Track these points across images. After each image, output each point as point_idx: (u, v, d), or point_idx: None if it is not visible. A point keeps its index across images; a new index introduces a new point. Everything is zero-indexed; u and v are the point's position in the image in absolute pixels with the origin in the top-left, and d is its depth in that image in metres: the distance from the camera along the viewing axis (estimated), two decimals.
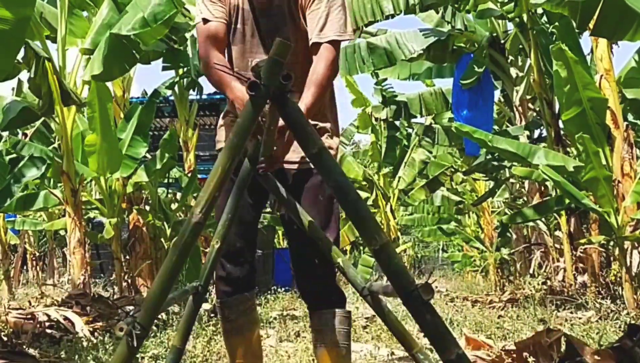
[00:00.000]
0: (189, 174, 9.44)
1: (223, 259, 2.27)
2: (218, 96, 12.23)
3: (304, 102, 2.09)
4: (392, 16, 7.35)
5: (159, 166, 8.11)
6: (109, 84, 8.04)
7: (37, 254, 14.88)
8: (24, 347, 4.07)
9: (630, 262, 5.86)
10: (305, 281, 2.28)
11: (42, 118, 6.54)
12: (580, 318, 4.91)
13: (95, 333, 4.66)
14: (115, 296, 7.25)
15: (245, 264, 2.30)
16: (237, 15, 2.28)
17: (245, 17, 2.27)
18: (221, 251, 1.98)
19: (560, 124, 6.92)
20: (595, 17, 4.94)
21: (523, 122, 8.36)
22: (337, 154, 2.41)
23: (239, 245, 2.29)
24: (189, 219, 1.55)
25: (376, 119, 11.80)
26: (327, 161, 1.61)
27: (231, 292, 2.28)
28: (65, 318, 4.86)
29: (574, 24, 5.41)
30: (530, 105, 8.58)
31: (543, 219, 8.03)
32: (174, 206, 9.94)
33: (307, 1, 2.24)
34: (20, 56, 5.10)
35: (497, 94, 9.36)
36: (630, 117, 8.12)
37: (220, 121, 2.43)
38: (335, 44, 2.20)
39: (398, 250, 12.27)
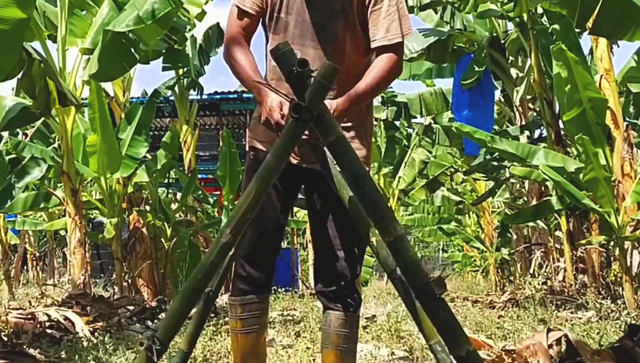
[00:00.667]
0: (189, 174, 9.44)
1: (243, 260, 2.26)
2: (218, 96, 12.27)
3: (342, 98, 2.03)
4: None
5: (159, 167, 8.12)
6: (109, 84, 8.07)
7: (38, 254, 14.88)
8: (24, 347, 4.07)
9: (631, 262, 5.86)
10: (324, 280, 2.26)
11: (42, 118, 6.54)
12: (580, 318, 4.91)
13: (96, 333, 4.65)
14: (115, 297, 7.25)
15: (264, 268, 2.29)
16: (281, 4, 2.20)
17: (290, 7, 2.19)
18: (234, 258, 1.94)
19: (561, 124, 6.93)
20: (594, 16, 4.93)
21: (523, 123, 8.37)
22: (367, 162, 2.29)
23: (258, 248, 2.26)
24: (217, 239, 1.53)
25: (376, 119, 11.80)
26: (345, 149, 1.58)
27: (248, 292, 2.27)
28: (66, 318, 4.86)
29: (574, 23, 5.41)
30: (530, 105, 8.59)
31: (543, 219, 8.03)
32: (174, 206, 9.95)
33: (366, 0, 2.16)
34: None
35: (497, 94, 9.36)
36: (632, 111, 8.16)
37: (255, 114, 2.30)
38: (400, 45, 2.15)
39: None
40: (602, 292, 6.29)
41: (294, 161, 2.19)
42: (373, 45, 2.14)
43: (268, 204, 2.24)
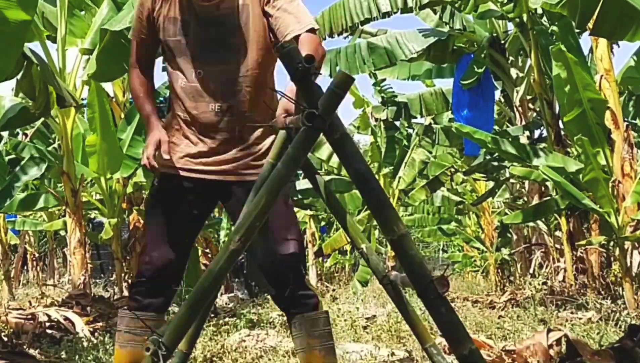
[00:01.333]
0: None
1: (141, 283, 2.23)
2: None
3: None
4: (389, 14, 7.34)
5: None
6: (109, 84, 8.07)
7: (38, 254, 14.86)
8: (25, 347, 4.07)
9: (631, 262, 5.86)
10: (277, 287, 2.21)
11: (42, 119, 6.55)
12: (580, 319, 4.91)
13: (96, 334, 4.65)
14: (115, 297, 7.25)
15: (163, 294, 2.24)
16: (175, 27, 2.22)
17: (185, 28, 2.21)
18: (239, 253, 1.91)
19: (561, 125, 6.93)
20: (595, 16, 4.94)
21: (523, 123, 8.37)
22: None
23: (163, 269, 2.22)
24: (226, 246, 1.53)
25: (376, 119, 11.80)
26: (349, 147, 1.57)
27: (137, 308, 2.22)
28: (66, 319, 4.86)
29: (574, 24, 5.41)
30: (530, 105, 8.58)
31: (543, 219, 8.02)
32: None
33: (268, 4, 2.17)
34: None
35: (497, 94, 9.35)
36: (632, 111, 8.17)
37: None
38: (315, 31, 2.16)
39: None
40: (602, 292, 6.29)
41: (208, 177, 2.21)
42: (288, 38, 2.12)
43: (181, 217, 2.25)
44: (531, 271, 8.49)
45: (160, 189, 2.31)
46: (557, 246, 8.08)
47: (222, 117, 2.19)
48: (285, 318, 5.85)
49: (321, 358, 2.16)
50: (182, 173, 2.24)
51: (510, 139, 6.78)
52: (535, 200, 7.76)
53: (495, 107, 9.12)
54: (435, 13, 8.50)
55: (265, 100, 2.23)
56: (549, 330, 3.10)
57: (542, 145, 7.17)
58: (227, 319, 5.35)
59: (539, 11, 7.13)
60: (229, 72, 2.20)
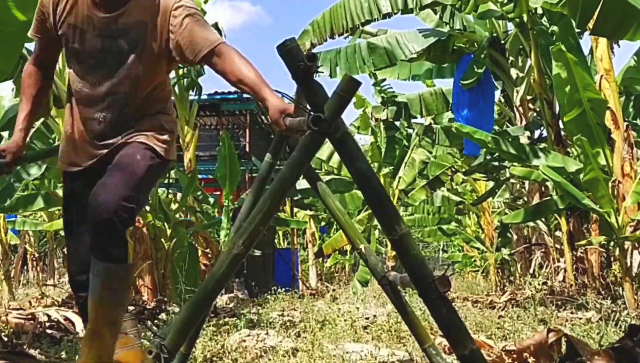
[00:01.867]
0: (189, 175, 9.44)
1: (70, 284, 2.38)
2: (218, 97, 12.28)
3: (273, 96, 1.91)
4: (389, 15, 7.35)
5: None
6: None
7: (38, 254, 14.88)
8: (25, 347, 4.07)
9: (631, 262, 5.86)
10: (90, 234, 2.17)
11: (42, 119, 6.53)
12: (580, 319, 4.91)
13: None
14: None
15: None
16: (74, 35, 2.23)
17: (82, 37, 2.23)
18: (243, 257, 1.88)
19: (561, 125, 6.93)
20: (595, 16, 4.94)
21: (523, 123, 8.37)
22: (170, 149, 2.41)
23: (78, 265, 2.36)
24: (229, 249, 1.53)
25: (376, 119, 11.81)
26: (351, 146, 1.56)
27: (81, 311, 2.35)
28: (66, 319, 4.86)
29: (574, 24, 5.41)
30: (530, 105, 8.59)
31: (543, 219, 8.03)
32: (174, 206, 9.94)
33: (171, 24, 2.16)
34: None
35: (498, 95, 9.36)
36: (632, 111, 8.17)
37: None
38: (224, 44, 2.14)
39: None
40: (602, 292, 6.30)
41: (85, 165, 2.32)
42: (200, 56, 2.12)
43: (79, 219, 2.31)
44: (531, 271, 8.50)
45: (64, 191, 2.45)
46: (557, 246, 8.08)
47: (104, 127, 2.28)
48: (285, 318, 5.83)
49: (93, 309, 2.18)
50: (67, 168, 2.39)
51: (510, 139, 6.78)
52: (535, 200, 7.76)
53: (496, 107, 9.13)
54: (435, 13, 8.51)
55: (148, 100, 2.32)
56: (549, 330, 3.10)
57: (542, 145, 7.17)
58: (227, 319, 5.35)
59: (539, 11, 7.14)
60: (118, 86, 2.24)
